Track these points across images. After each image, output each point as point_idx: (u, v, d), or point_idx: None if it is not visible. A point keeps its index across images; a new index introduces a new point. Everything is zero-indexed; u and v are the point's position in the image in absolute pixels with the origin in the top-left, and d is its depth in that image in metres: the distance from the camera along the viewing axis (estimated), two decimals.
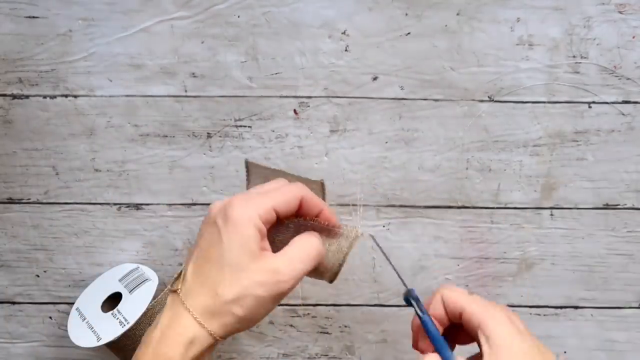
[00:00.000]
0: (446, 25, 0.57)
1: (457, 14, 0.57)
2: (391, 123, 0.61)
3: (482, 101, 0.60)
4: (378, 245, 0.48)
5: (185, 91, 0.60)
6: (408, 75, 0.59)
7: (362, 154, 0.62)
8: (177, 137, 0.62)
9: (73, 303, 0.65)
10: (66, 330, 0.63)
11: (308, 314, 0.68)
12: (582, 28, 0.57)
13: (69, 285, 0.68)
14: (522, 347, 0.43)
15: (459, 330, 0.48)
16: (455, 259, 0.66)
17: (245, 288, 0.41)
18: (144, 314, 0.60)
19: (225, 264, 0.42)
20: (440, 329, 0.48)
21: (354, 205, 0.64)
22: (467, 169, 0.62)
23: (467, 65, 0.59)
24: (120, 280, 0.64)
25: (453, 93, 0.60)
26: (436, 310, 0.48)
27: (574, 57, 0.58)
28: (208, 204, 0.64)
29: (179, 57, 0.59)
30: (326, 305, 0.68)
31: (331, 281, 0.49)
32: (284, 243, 0.45)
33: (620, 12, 0.57)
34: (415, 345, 0.49)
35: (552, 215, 0.64)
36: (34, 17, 0.58)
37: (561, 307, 0.67)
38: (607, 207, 0.63)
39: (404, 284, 0.48)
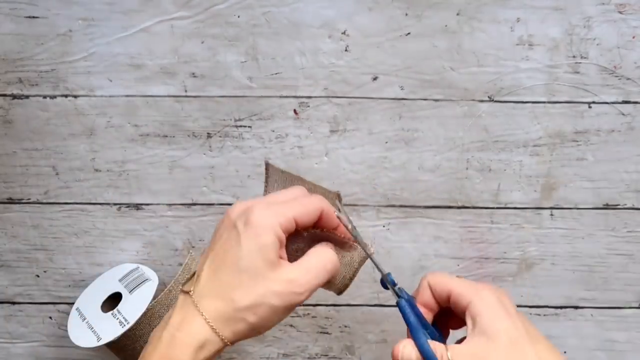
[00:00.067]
0: (446, 25, 0.57)
1: (457, 14, 0.57)
2: (391, 123, 0.61)
3: (482, 101, 0.60)
4: (345, 215, 0.46)
5: (185, 91, 0.60)
6: (408, 75, 0.59)
7: (362, 154, 0.62)
8: (177, 137, 0.62)
9: (73, 303, 0.65)
10: (66, 330, 0.63)
11: (308, 314, 0.68)
12: (582, 28, 0.57)
13: (69, 285, 0.68)
14: (508, 329, 0.42)
15: (449, 316, 0.48)
16: (455, 259, 0.66)
17: (261, 296, 0.41)
18: (144, 314, 0.60)
19: (243, 269, 0.41)
20: (430, 316, 0.47)
21: (351, 204, 0.64)
22: (467, 169, 0.62)
23: (467, 65, 0.59)
24: (120, 280, 0.64)
25: (453, 93, 0.60)
26: (424, 296, 0.47)
27: (574, 57, 0.58)
28: (208, 204, 0.64)
29: (179, 57, 0.59)
30: (326, 305, 0.68)
31: (340, 293, 0.49)
32: (298, 252, 0.45)
33: (620, 12, 0.57)
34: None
35: (552, 215, 0.64)
36: (34, 17, 0.58)
37: (561, 307, 0.67)
38: (607, 207, 0.63)
39: (379, 269, 0.48)
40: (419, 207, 0.64)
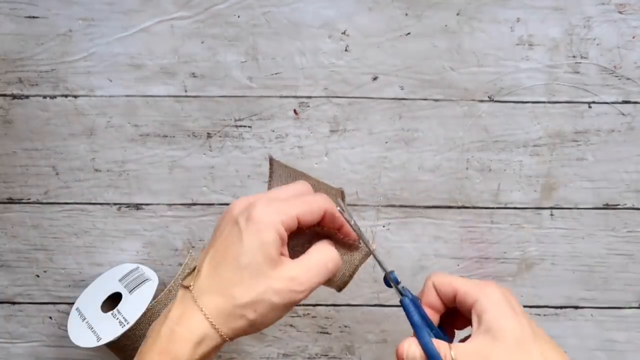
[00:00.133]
0: (446, 25, 0.57)
1: (457, 14, 0.57)
2: (391, 123, 0.61)
3: (482, 101, 0.60)
4: (347, 212, 0.47)
5: (185, 91, 0.60)
6: (408, 75, 0.59)
7: (362, 154, 0.62)
8: (177, 137, 0.62)
9: (73, 303, 0.65)
10: (66, 330, 0.63)
11: (308, 314, 0.68)
12: (582, 28, 0.57)
13: (69, 285, 0.68)
14: (514, 328, 0.42)
15: (455, 316, 0.48)
16: (455, 259, 0.66)
17: (261, 294, 0.41)
18: (144, 314, 0.60)
19: (244, 266, 0.41)
20: (437, 317, 0.47)
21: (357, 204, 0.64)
22: (467, 169, 0.62)
23: (467, 65, 0.59)
24: (120, 280, 0.64)
25: (453, 93, 0.60)
26: (429, 297, 0.47)
27: (574, 57, 0.58)
28: (208, 204, 0.64)
29: (179, 57, 0.59)
30: (326, 305, 0.68)
31: (339, 290, 0.49)
32: (299, 249, 0.45)
33: (620, 12, 0.57)
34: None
35: (552, 215, 0.64)
36: (34, 17, 0.58)
37: (561, 307, 0.67)
38: (607, 207, 0.63)
39: (382, 267, 0.47)
40: (419, 207, 0.64)
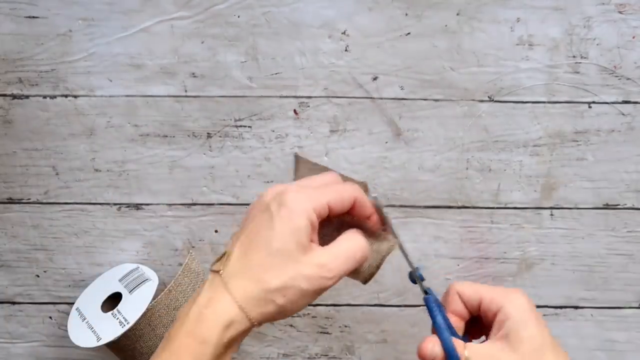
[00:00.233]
0: (446, 25, 0.57)
1: (457, 14, 0.57)
2: (392, 126, 0.61)
3: (482, 101, 0.60)
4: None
5: (185, 91, 0.60)
6: (408, 75, 0.59)
7: (362, 154, 0.62)
8: (177, 137, 0.62)
9: (73, 303, 0.65)
10: (66, 330, 0.63)
11: (308, 314, 0.68)
12: (582, 28, 0.57)
13: (69, 285, 0.68)
14: (533, 337, 0.42)
15: (477, 324, 0.48)
16: (455, 259, 0.66)
17: (291, 279, 0.41)
18: (144, 314, 0.60)
19: (274, 251, 0.41)
20: (462, 324, 0.47)
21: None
22: (467, 169, 0.62)
23: (467, 65, 0.59)
24: (120, 280, 0.64)
25: (453, 93, 0.60)
26: (453, 304, 0.47)
27: (574, 57, 0.58)
28: (208, 204, 0.64)
29: (179, 57, 0.59)
30: (326, 305, 0.68)
31: (365, 282, 0.48)
32: (328, 237, 0.45)
33: (620, 12, 0.57)
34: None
35: (552, 215, 0.64)
36: (34, 17, 0.58)
37: (561, 307, 0.67)
38: (607, 207, 0.63)
39: (409, 262, 0.48)
40: (419, 207, 0.64)
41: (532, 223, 0.64)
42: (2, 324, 0.70)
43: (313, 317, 0.68)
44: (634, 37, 0.57)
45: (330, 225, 0.46)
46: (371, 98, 0.60)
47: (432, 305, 0.46)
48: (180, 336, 0.41)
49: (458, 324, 0.47)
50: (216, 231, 0.65)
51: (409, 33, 0.58)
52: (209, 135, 0.62)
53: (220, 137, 0.62)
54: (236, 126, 0.62)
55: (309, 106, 0.61)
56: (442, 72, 0.59)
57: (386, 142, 0.62)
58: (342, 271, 0.43)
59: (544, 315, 0.68)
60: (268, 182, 0.63)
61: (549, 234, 0.65)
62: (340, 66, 0.59)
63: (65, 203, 0.65)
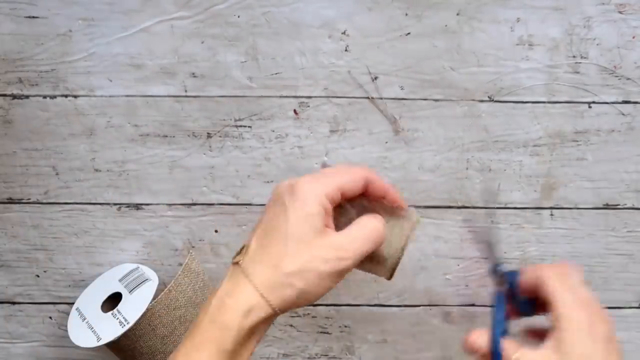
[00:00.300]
0: (446, 25, 0.57)
1: (457, 14, 0.57)
2: (391, 123, 0.61)
3: (482, 101, 0.60)
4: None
5: (185, 91, 0.60)
6: (408, 75, 0.59)
7: (362, 154, 0.62)
8: (177, 137, 0.62)
9: (73, 303, 0.65)
10: (66, 330, 0.63)
11: (308, 314, 0.68)
12: (582, 28, 0.57)
13: (69, 285, 0.68)
14: (585, 356, 0.41)
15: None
16: (455, 259, 0.66)
17: (307, 262, 0.42)
18: (144, 314, 0.60)
19: (289, 237, 0.42)
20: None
21: None
22: (467, 169, 0.62)
23: (467, 65, 0.59)
24: (120, 280, 0.64)
25: (453, 93, 0.60)
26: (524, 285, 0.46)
27: (574, 57, 0.58)
28: (208, 204, 0.64)
29: (179, 57, 0.59)
30: (326, 305, 0.68)
31: (390, 275, 0.48)
32: (346, 224, 0.45)
33: (620, 12, 0.57)
34: None
35: (552, 215, 0.64)
36: (34, 17, 0.58)
37: None
38: (607, 207, 0.63)
39: (495, 259, 0.49)
40: (419, 207, 0.64)
41: (532, 223, 0.64)
42: (2, 324, 0.70)
43: (313, 317, 0.68)
44: (634, 37, 0.57)
45: (350, 214, 0.46)
46: (369, 98, 0.60)
47: (501, 302, 0.47)
48: (203, 325, 0.42)
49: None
50: (216, 231, 0.65)
51: (409, 33, 0.58)
52: (209, 135, 0.62)
53: (220, 137, 0.62)
54: (236, 126, 0.62)
55: (309, 106, 0.61)
56: (442, 72, 0.59)
57: (386, 142, 0.62)
58: (358, 252, 0.43)
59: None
60: (268, 182, 0.63)
61: (549, 234, 0.65)
62: (340, 66, 0.59)
63: (65, 203, 0.65)
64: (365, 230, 0.44)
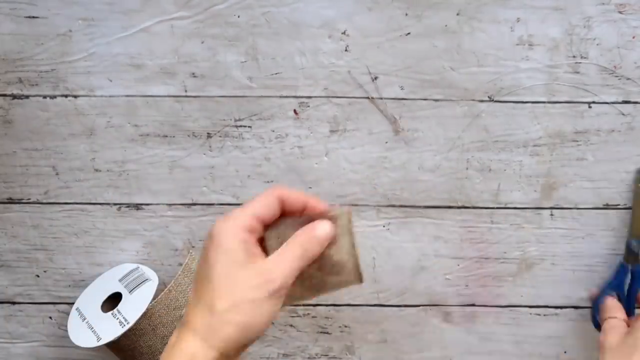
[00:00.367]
0: (446, 25, 0.57)
1: (457, 14, 0.57)
2: (391, 123, 0.61)
3: (482, 101, 0.60)
4: None
5: (185, 91, 0.60)
6: (408, 75, 0.59)
7: (362, 154, 0.62)
8: (177, 137, 0.62)
9: (73, 303, 0.65)
10: (66, 330, 0.63)
11: (308, 314, 0.68)
12: (582, 28, 0.57)
13: (69, 285, 0.68)
14: None
15: None
16: (455, 259, 0.66)
17: (237, 295, 0.42)
18: (144, 314, 0.60)
19: (216, 277, 0.42)
20: None
21: (355, 205, 0.64)
22: (467, 169, 0.62)
23: (467, 65, 0.59)
24: (120, 280, 0.64)
25: (453, 93, 0.60)
26: None
27: (574, 57, 0.58)
28: (208, 204, 0.64)
29: (179, 57, 0.59)
30: (326, 305, 0.68)
31: (359, 277, 0.46)
32: (280, 245, 0.45)
33: (620, 12, 0.57)
34: None
35: (552, 215, 0.64)
36: (34, 17, 0.58)
37: (561, 307, 0.67)
38: (607, 207, 0.63)
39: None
40: (419, 207, 0.64)
41: (532, 223, 0.64)
42: (2, 324, 0.70)
43: (313, 317, 0.68)
44: (634, 37, 0.57)
45: (282, 235, 0.45)
46: (369, 98, 0.60)
47: (624, 272, 0.61)
48: None
49: None
50: None
51: (409, 33, 0.58)
52: (209, 135, 0.62)
53: (220, 137, 0.62)
54: (236, 126, 0.62)
55: (309, 106, 0.61)
56: (442, 72, 0.59)
57: (386, 142, 0.62)
58: (288, 268, 0.43)
59: (544, 315, 0.68)
60: (268, 182, 0.63)
61: (549, 234, 0.65)
62: (340, 66, 0.59)
63: (65, 203, 0.65)
64: (293, 244, 0.44)
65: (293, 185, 0.63)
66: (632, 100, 0.59)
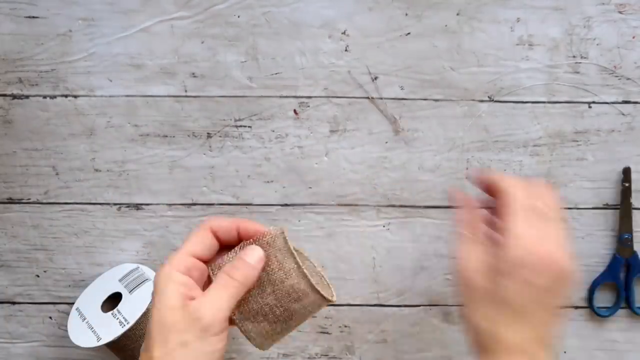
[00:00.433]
0: (446, 25, 0.57)
1: (457, 14, 0.57)
2: (391, 123, 0.61)
3: (482, 101, 0.60)
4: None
5: (185, 91, 0.60)
6: (408, 75, 0.59)
7: (362, 154, 0.62)
8: (177, 137, 0.62)
9: (73, 303, 0.65)
10: (66, 330, 0.63)
11: None
12: (582, 28, 0.57)
13: (69, 285, 0.68)
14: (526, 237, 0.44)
15: None
16: (456, 258, 0.66)
17: (171, 341, 0.41)
18: (144, 314, 0.60)
19: (153, 326, 0.42)
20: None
21: (354, 205, 0.64)
22: (467, 168, 0.62)
23: (467, 65, 0.59)
24: (120, 280, 0.64)
25: (453, 93, 0.60)
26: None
27: (574, 57, 0.58)
28: (208, 204, 0.64)
29: (179, 57, 0.59)
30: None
31: (323, 298, 0.45)
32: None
33: (620, 12, 0.57)
34: None
35: None
36: (34, 17, 0.58)
37: (561, 307, 0.67)
38: (606, 207, 0.63)
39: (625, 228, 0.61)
40: (419, 207, 0.64)
41: None
42: (2, 324, 0.70)
43: (313, 317, 0.68)
44: (634, 37, 0.57)
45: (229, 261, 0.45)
46: (369, 98, 0.60)
47: (617, 264, 0.62)
48: None
49: None
50: None
51: (409, 33, 0.58)
52: (209, 135, 0.62)
53: (220, 137, 0.62)
54: (236, 126, 0.61)
55: (309, 106, 0.61)
56: (442, 72, 0.59)
57: (386, 142, 0.62)
58: (217, 299, 0.42)
59: None
60: (268, 182, 0.63)
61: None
62: (340, 66, 0.59)
63: (65, 203, 0.65)
64: (218, 277, 0.43)
65: (293, 185, 0.63)
66: (632, 100, 0.59)
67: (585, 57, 0.58)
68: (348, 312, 0.68)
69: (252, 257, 0.44)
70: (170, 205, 0.64)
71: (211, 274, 0.45)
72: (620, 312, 0.67)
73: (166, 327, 0.41)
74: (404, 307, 0.67)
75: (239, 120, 0.61)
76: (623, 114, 0.60)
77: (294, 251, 0.44)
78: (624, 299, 0.65)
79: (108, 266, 0.67)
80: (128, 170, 0.63)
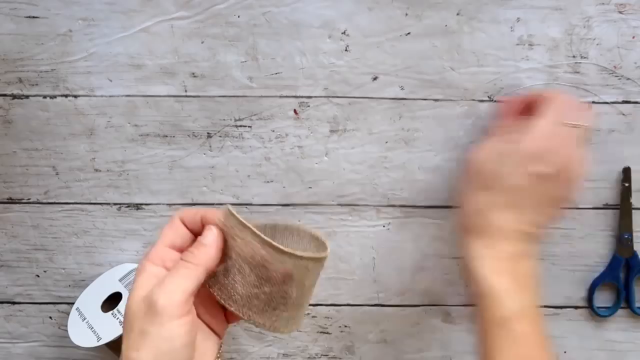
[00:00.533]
0: (446, 25, 0.57)
1: (457, 14, 0.57)
2: (391, 123, 0.61)
3: (482, 101, 0.60)
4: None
5: (185, 91, 0.60)
6: (408, 75, 0.59)
7: (362, 154, 0.62)
8: (177, 137, 0.62)
9: (73, 303, 0.65)
10: (66, 330, 0.63)
11: (308, 314, 0.68)
12: (582, 28, 0.57)
13: (69, 285, 0.68)
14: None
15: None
16: (456, 258, 0.66)
17: (134, 332, 0.41)
18: None
19: (124, 321, 0.42)
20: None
21: (354, 205, 0.64)
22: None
23: (467, 65, 0.59)
24: (120, 280, 0.64)
25: (453, 93, 0.60)
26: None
27: (574, 57, 0.58)
28: (208, 204, 0.64)
29: (179, 57, 0.59)
30: (326, 305, 0.68)
31: (304, 258, 0.43)
32: (236, 272, 0.43)
33: (620, 12, 0.57)
34: None
35: None
36: (34, 17, 0.58)
37: (561, 307, 0.67)
38: (606, 207, 0.63)
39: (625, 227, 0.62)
40: (419, 207, 0.64)
41: None
42: (2, 324, 0.70)
43: (313, 317, 0.68)
44: (634, 37, 0.57)
45: (229, 263, 0.44)
46: (369, 98, 0.60)
47: (617, 263, 0.63)
48: None
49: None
50: None
51: (409, 33, 0.58)
52: (209, 135, 0.62)
53: (220, 137, 0.62)
54: (236, 126, 0.62)
55: (309, 106, 0.61)
56: (442, 72, 0.59)
57: (386, 142, 0.62)
58: (171, 283, 0.42)
59: (544, 315, 0.67)
60: (268, 182, 0.63)
61: (548, 234, 0.65)
62: (340, 66, 0.59)
63: (65, 203, 0.65)
64: (174, 264, 0.43)
65: (293, 185, 0.63)
66: (632, 100, 0.59)
67: (585, 57, 0.58)
68: (348, 312, 0.68)
69: (205, 237, 0.43)
70: (170, 205, 0.64)
71: None
72: (620, 312, 0.67)
73: (131, 318, 0.41)
74: (404, 307, 0.67)
75: (239, 120, 0.61)
76: (623, 114, 0.60)
77: (247, 223, 0.42)
78: (623, 299, 0.65)
79: (108, 266, 0.67)
80: (128, 170, 0.63)
